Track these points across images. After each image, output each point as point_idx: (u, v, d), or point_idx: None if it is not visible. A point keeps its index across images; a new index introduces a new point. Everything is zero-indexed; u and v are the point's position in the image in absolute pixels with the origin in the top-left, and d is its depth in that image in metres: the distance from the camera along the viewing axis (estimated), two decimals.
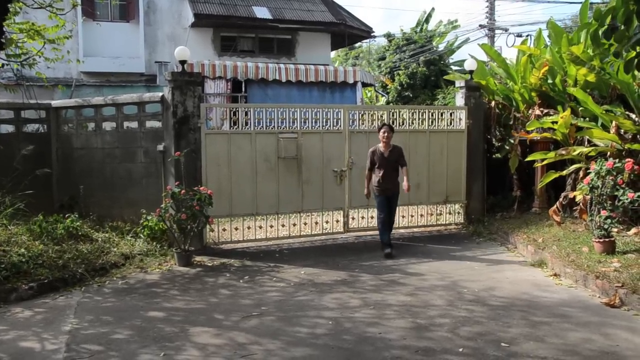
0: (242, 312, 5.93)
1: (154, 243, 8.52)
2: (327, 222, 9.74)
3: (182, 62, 8.91)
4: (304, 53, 19.64)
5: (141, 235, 8.61)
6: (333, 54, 31.65)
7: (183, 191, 7.99)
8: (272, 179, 9.17)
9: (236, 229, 9.18)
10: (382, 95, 24.87)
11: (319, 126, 9.50)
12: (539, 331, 5.29)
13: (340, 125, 9.61)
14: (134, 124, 9.52)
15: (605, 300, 6.05)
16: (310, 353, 4.83)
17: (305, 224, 9.55)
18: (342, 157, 9.58)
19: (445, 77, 14.73)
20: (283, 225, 9.45)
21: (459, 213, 10.52)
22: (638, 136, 8.84)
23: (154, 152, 9.12)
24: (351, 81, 17.13)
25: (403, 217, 10.14)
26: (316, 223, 9.64)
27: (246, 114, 9.13)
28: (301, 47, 19.74)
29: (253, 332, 5.34)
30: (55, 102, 10.52)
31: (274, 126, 9.27)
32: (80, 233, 8.37)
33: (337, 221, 9.80)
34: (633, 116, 8.94)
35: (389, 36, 26.25)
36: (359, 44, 31.33)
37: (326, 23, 19.15)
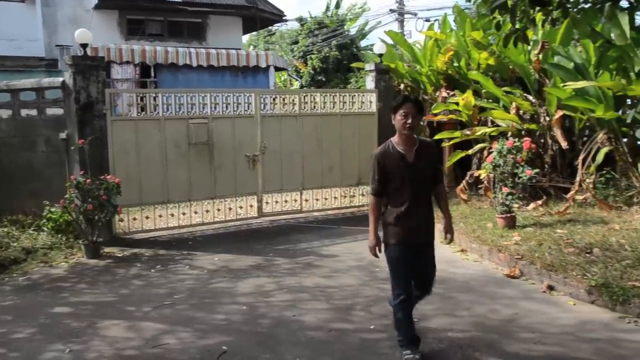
0: (155, 302, 5.79)
1: (59, 236, 8.12)
2: (241, 207, 9.66)
3: (84, 46, 8.49)
4: (215, 37, 19.26)
5: (45, 229, 8.19)
6: (247, 37, 31.28)
7: (89, 180, 7.65)
8: (183, 165, 8.97)
9: (147, 217, 8.92)
10: (296, 80, 24.90)
11: (231, 111, 9.36)
12: (447, 305, 5.51)
13: (252, 110, 9.52)
14: (34, 112, 8.97)
15: (507, 272, 6.38)
16: (224, 339, 4.79)
17: (218, 210, 9.43)
18: (254, 141, 9.50)
19: (353, 64, 14.92)
20: (196, 212, 9.29)
21: None
22: (535, 116, 9.35)
23: (57, 140, 8.67)
24: (264, 65, 17.00)
25: (317, 200, 10.23)
26: (230, 209, 9.54)
27: (155, 99, 8.85)
28: (212, 31, 19.33)
29: (166, 322, 5.23)
30: None
31: (183, 112, 9.04)
32: None
33: (251, 206, 9.74)
34: (530, 97, 9.44)
35: (301, 20, 26.25)
36: (271, 27, 31.10)
37: (237, 6, 18.85)
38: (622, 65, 7.95)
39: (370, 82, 11.03)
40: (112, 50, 15.13)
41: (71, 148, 8.45)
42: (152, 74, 15.84)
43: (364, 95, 10.65)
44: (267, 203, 9.88)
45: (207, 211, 9.35)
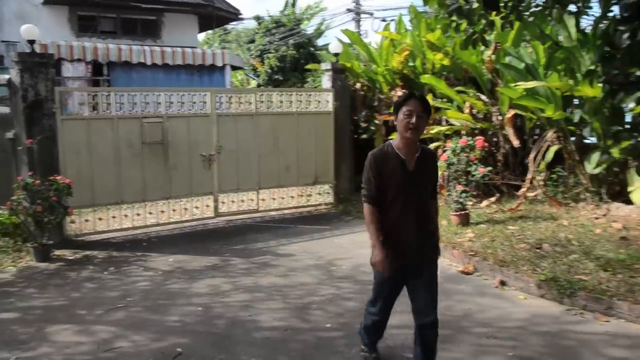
0: (107, 305, 5.66)
1: (7, 239, 7.86)
2: (196, 207, 9.54)
3: (31, 42, 8.23)
4: (170, 35, 18.97)
5: None
6: (203, 36, 30.93)
7: (38, 181, 7.43)
8: (137, 165, 8.80)
9: (100, 219, 8.72)
10: (253, 79, 24.74)
11: (186, 110, 9.23)
12: (402, 302, 5.51)
13: (208, 109, 9.41)
14: None
15: (461, 268, 6.50)
16: (179, 341, 4.73)
17: (174, 210, 9.29)
18: (210, 141, 9.39)
19: (308, 66, 14.93)
20: (150, 213, 9.13)
21: (328, 193, 10.74)
22: (488, 115, 9.55)
23: (3, 140, 8.39)
24: (220, 64, 16.82)
25: (274, 199, 10.20)
26: (185, 209, 9.41)
27: (107, 98, 8.65)
28: (167, 29, 19.04)
29: (118, 325, 5.12)
30: None
31: (137, 111, 8.87)
32: None
33: (207, 206, 9.63)
34: (483, 97, 9.63)
35: (258, 19, 26.10)
36: (227, 26, 30.84)
37: (193, 4, 18.62)
38: (570, 66, 8.22)
39: (326, 81, 11.05)
40: (62, 47, 14.71)
41: (18, 148, 8.19)
42: (105, 72, 15.49)
43: (320, 95, 10.66)
44: (223, 203, 9.79)
45: (162, 212, 9.20)
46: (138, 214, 8.98)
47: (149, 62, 15.69)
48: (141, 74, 15.57)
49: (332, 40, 11.51)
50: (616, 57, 4.08)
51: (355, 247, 7.79)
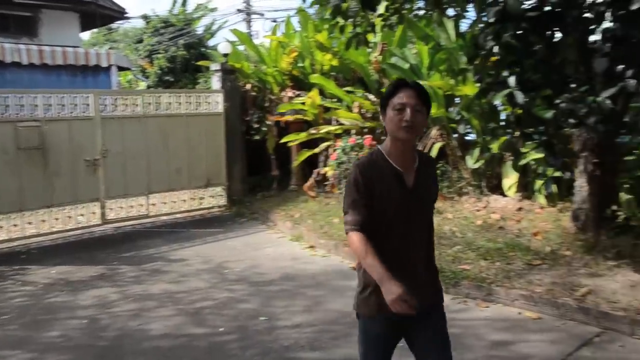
0: None
1: None
2: (82, 215, 9.04)
3: None
4: (49, 33, 17.85)
5: None
6: (89, 35, 29.47)
7: None
8: (12, 172, 8.18)
9: None
10: (142, 80, 23.91)
11: (67, 113, 8.72)
12: (296, 301, 5.60)
13: (91, 111, 8.96)
14: None
15: (353, 264, 6.62)
16: (60, 358, 4.46)
17: (57, 219, 8.74)
18: (94, 145, 8.93)
19: (199, 62, 14.68)
20: (30, 223, 8.52)
21: (221, 196, 10.57)
22: (376, 114, 9.82)
23: None
24: (105, 65, 16.06)
25: (165, 203, 9.89)
26: (69, 217, 8.87)
27: None
28: (46, 27, 17.91)
29: None
30: None
31: (10, 114, 8.26)
32: None
33: (94, 213, 9.16)
34: (371, 97, 9.89)
35: (145, 18, 25.26)
36: (113, 25, 29.61)
37: (74, 1, 17.66)
38: (451, 66, 8.65)
39: (216, 82, 10.89)
40: None
41: None
42: None
43: (210, 96, 10.48)
44: (111, 209, 9.34)
45: (43, 221, 8.63)
46: (15, 225, 8.36)
47: (25, 62, 14.66)
48: (16, 75, 14.50)
49: (224, 41, 11.38)
50: (482, 59, 4.35)
51: (249, 249, 7.74)
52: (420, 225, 2.65)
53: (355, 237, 2.51)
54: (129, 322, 5.16)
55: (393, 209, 2.55)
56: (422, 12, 7.99)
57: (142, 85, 24.29)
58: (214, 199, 10.52)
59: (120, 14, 20.02)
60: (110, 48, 30.55)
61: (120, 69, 17.51)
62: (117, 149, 9.14)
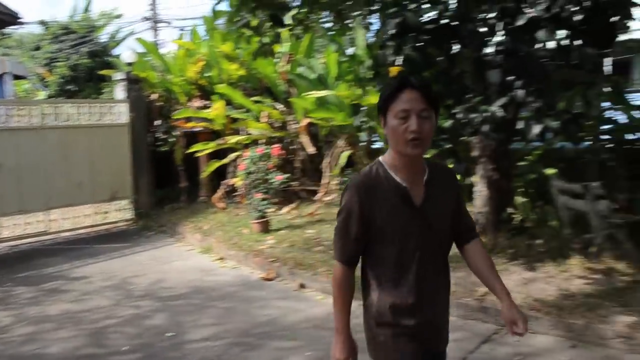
0: None
1: None
2: None
3: None
4: None
5: None
6: None
7: None
8: None
9: None
10: (42, 90, 22.73)
11: None
12: (204, 314, 5.50)
13: None
14: None
15: (263, 275, 6.61)
16: None
17: None
18: None
19: (102, 72, 14.19)
20: None
21: (127, 209, 10.21)
22: (285, 124, 9.87)
23: None
24: None
25: (66, 218, 9.43)
26: None
27: None
28: None
29: None
30: None
31: None
32: None
33: None
34: (279, 106, 9.93)
35: (44, 23, 24.06)
36: (5, 30, 27.99)
37: None
38: (358, 76, 8.85)
39: (120, 92, 10.55)
40: None
41: None
42: None
43: (114, 106, 10.12)
44: (5, 227, 8.79)
45: None
46: None
47: None
48: None
49: (130, 50, 11.06)
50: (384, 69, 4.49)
51: (156, 263, 7.53)
52: (434, 250, 2.26)
53: (337, 272, 2.27)
54: (22, 347, 4.86)
55: (400, 231, 2.18)
56: (327, 25, 8.16)
57: (42, 94, 23.08)
58: (119, 212, 10.15)
59: (13, 18, 18.91)
60: (3, 54, 28.89)
61: (16, 77, 16.59)
62: (11, 162, 8.63)
